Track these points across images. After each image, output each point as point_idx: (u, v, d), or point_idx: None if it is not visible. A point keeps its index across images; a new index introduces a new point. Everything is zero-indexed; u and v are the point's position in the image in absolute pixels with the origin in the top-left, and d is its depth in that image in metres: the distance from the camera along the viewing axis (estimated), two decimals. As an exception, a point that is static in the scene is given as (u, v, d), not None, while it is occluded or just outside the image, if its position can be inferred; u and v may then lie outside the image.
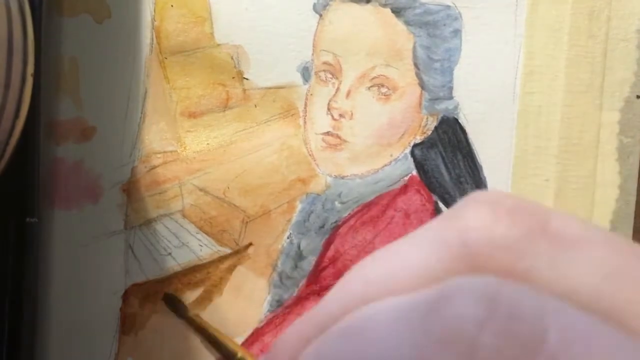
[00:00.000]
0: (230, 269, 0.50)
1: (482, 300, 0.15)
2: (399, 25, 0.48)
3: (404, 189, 0.49)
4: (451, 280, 0.16)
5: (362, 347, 0.16)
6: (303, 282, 0.49)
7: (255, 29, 0.49)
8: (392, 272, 0.18)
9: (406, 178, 0.49)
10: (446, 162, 0.49)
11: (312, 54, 0.49)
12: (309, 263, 0.49)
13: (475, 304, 0.15)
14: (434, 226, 0.18)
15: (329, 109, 0.49)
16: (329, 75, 0.49)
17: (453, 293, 0.16)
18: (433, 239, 0.18)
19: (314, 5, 0.49)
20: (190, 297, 0.50)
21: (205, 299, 0.50)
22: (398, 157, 0.49)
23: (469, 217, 0.18)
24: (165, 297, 0.49)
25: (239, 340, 0.50)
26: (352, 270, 0.19)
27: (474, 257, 0.17)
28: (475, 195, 0.19)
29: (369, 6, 0.48)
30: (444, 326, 0.15)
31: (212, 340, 0.47)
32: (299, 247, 0.49)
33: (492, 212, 0.17)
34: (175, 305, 0.49)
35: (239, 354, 0.44)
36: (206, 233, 0.50)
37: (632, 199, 0.48)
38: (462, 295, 0.15)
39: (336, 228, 0.49)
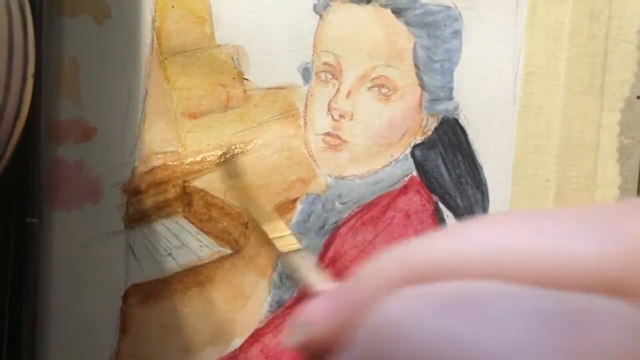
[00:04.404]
0: (231, 270, 0.50)
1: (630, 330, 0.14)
2: (399, 25, 0.48)
3: (404, 189, 0.49)
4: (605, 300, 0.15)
5: (479, 329, 0.15)
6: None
7: (255, 29, 0.49)
8: (534, 250, 0.16)
9: (406, 179, 0.49)
10: (446, 163, 0.49)
11: (313, 55, 0.49)
12: (309, 263, 0.49)
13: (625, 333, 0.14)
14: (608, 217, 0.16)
15: (329, 110, 0.49)
16: (330, 76, 0.49)
17: (604, 314, 0.15)
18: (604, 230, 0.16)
19: (315, 6, 0.49)
20: (190, 297, 0.50)
21: (205, 300, 0.49)
22: (398, 157, 0.49)
23: None
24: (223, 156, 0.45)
25: (239, 341, 0.50)
26: (457, 228, 0.18)
27: None
28: None
29: (369, 7, 0.48)
30: (591, 348, 0.14)
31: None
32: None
33: None
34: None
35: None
36: (206, 233, 0.50)
37: (633, 200, 0.48)
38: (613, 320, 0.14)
39: (336, 228, 0.49)
